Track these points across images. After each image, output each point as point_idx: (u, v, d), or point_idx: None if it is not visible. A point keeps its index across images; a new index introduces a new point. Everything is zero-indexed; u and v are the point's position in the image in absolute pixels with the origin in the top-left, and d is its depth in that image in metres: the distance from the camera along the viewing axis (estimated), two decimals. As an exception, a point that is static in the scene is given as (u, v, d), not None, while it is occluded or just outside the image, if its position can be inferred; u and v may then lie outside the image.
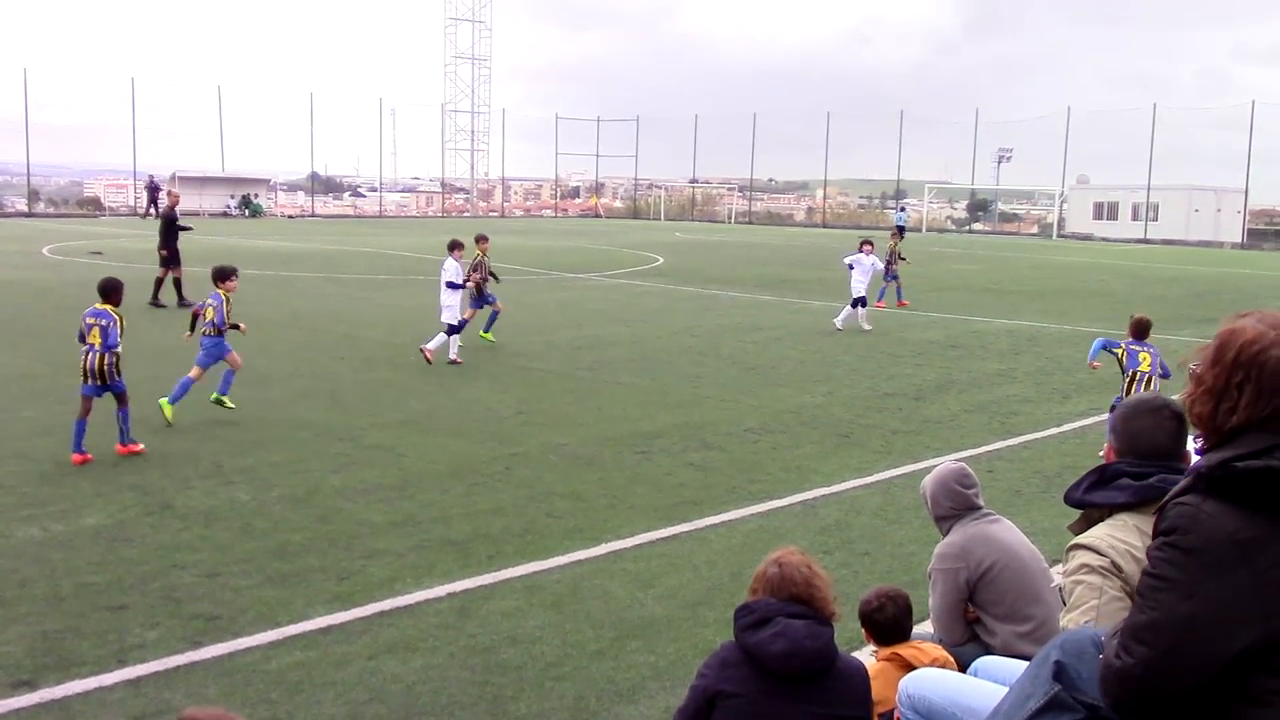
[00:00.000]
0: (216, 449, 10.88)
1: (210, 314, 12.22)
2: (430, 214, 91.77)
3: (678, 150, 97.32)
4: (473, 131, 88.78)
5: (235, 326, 12.48)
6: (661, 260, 39.23)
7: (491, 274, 18.40)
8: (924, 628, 5.36)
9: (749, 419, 12.88)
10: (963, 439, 12.17)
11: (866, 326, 21.26)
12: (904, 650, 4.76)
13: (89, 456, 10.36)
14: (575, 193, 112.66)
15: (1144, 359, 11.31)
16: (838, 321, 21.26)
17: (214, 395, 12.51)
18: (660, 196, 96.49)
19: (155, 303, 22.54)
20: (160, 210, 23.64)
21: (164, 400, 12.10)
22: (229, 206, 68.95)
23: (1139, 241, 67.93)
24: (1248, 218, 71.27)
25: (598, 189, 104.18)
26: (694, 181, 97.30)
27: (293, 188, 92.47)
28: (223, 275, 12.54)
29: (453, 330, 16.34)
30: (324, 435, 11.55)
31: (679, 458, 10.95)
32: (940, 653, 4.76)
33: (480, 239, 18.34)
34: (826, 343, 19.49)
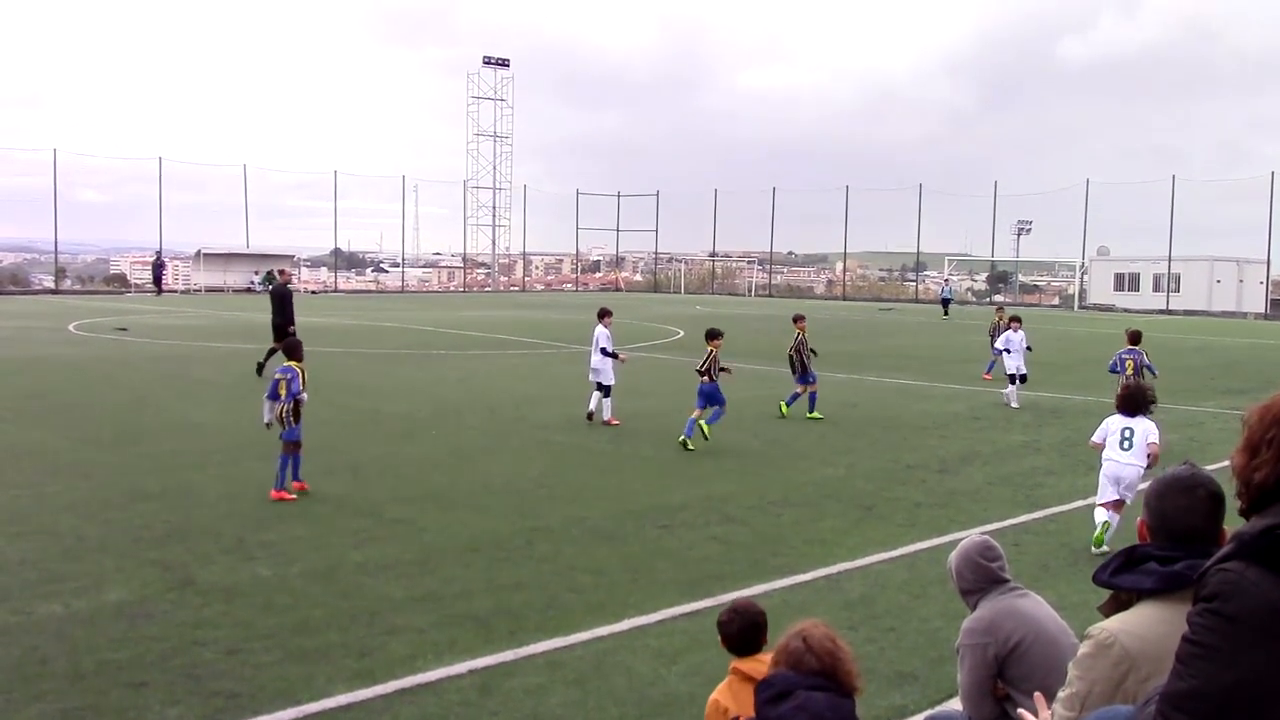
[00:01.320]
0: (238, 524, 10.89)
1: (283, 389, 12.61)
2: (452, 289, 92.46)
3: (697, 224, 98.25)
4: (494, 207, 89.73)
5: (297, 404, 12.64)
6: (682, 333, 39.30)
7: (812, 350, 19.65)
8: (952, 705, 5.28)
9: (771, 492, 12.81)
10: (988, 512, 12.07)
11: (1014, 405, 21.07)
12: (744, 664, 4.85)
13: (289, 495, 12.01)
14: (596, 267, 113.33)
15: (1129, 364, 11.50)
16: (1013, 402, 21.19)
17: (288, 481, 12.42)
18: (680, 270, 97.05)
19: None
20: (273, 286, 24.85)
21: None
22: (253, 282, 69.65)
23: (1161, 312, 67.79)
24: (1270, 288, 71.13)
25: (618, 263, 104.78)
26: (714, 255, 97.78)
27: (316, 264, 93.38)
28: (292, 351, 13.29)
29: (608, 391, 18.11)
30: (345, 510, 11.55)
31: (701, 531, 10.89)
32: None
33: (798, 319, 20.26)
34: (848, 415, 19.43)
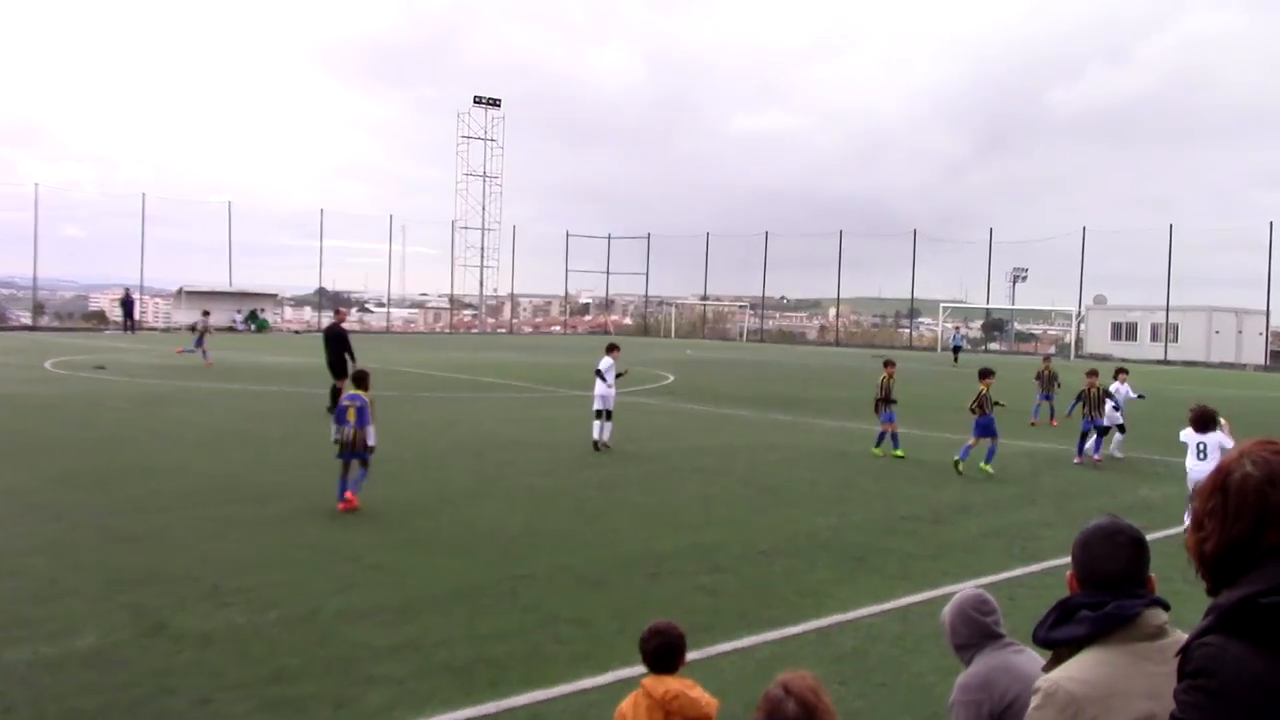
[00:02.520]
0: (214, 568, 10.80)
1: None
2: (438, 330, 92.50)
3: (688, 267, 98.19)
4: (483, 248, 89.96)
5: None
6: (672, 378, 39.31)
7: (998, 403, 19.92)
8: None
9: (761, 541, 12.77)
10: (982, 564, 12.04)
11: (1119, 455, 21.67)
12: (650, 680, 5.20)
13: (352, 503, 13.67)
14: (585, 309, 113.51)
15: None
16: (1118, 452, 21.64)
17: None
18: (671, 313, 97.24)
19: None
20: (330, 328, 25.99)
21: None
22: (235, 321, 69.57)
23: (1159, 363, 68.04)
24: (1270, 339, 71.45)
25: (608, 306, 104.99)
26: (705, 299, 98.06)
27: (300, 303, 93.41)
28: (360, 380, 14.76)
29: (610, 415, 20.12)
30: (325, 554, 11.47)
31: (689, 581, 10.83)
32: (674, 685, 5.18)
33: (888, 364, 21.82)
34: (840, 464, 19.42)
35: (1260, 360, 68.06)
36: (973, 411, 19.13)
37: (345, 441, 13.93)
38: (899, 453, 20.59)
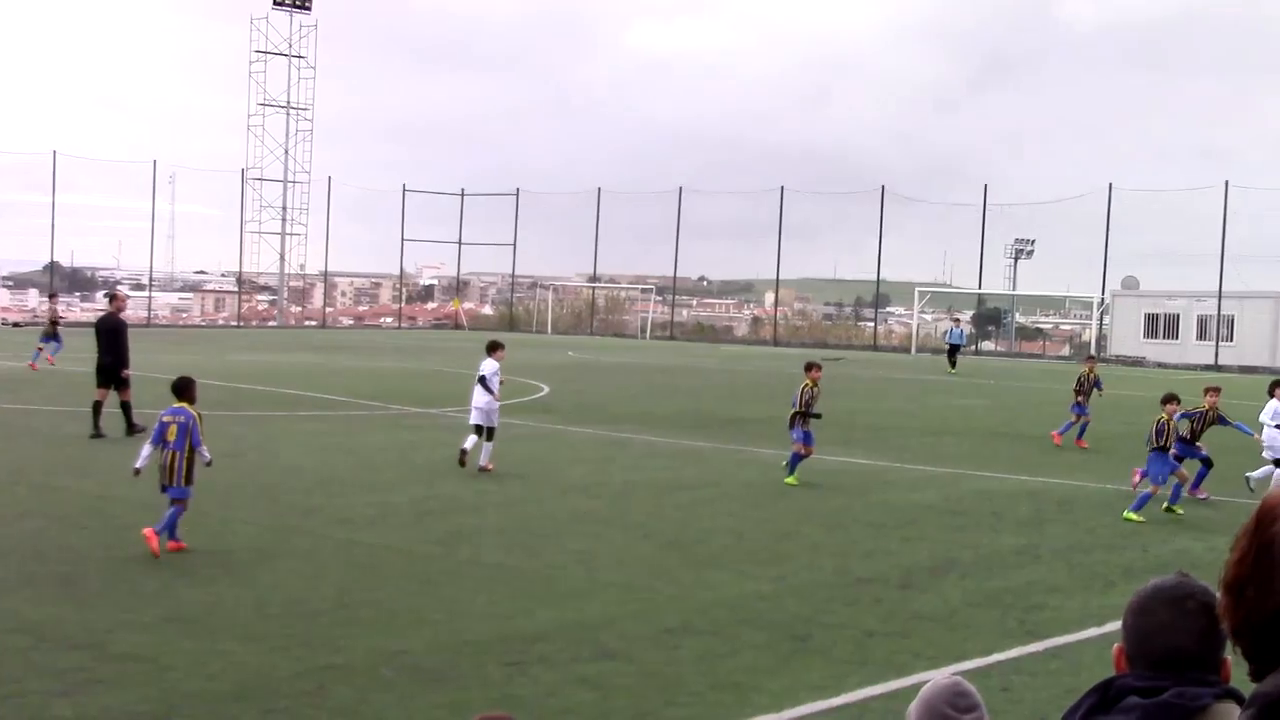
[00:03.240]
0: (-109, 661, 10.55)
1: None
2: (221, 321, 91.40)
3: (573, 237, 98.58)
4: (285, 207, 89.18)
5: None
6: (547, 389, 39.27)
7: (814, 414, 22.37)
8: None
9: (667, 616, 12.83)
10: (967, 643, 12.24)
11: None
12: None
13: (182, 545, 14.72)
14: (428, 294, 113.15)
15: None
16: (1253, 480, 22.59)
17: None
18: (547, 300, 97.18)
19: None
20: (105, 319, 26.41)
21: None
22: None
23: (1208, 368, 69.52)
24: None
25: (460, 289, 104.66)
26: (594, 280, 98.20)
27: (22, 283, 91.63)
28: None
29: (491, 434, 21.89)
30: (51, 640, 11.29)
31: (567, 671, 10.85)
32: None
33: (812, 367, 23.09)
34: (778, 507, 19.61)
35: (1341, 365, 69.79)
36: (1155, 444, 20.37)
37: (166, 467, 14.70)
38: (791, 479, 21.79)
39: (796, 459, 22.06)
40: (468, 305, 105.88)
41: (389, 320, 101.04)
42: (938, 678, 5.65)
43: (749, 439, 28.00)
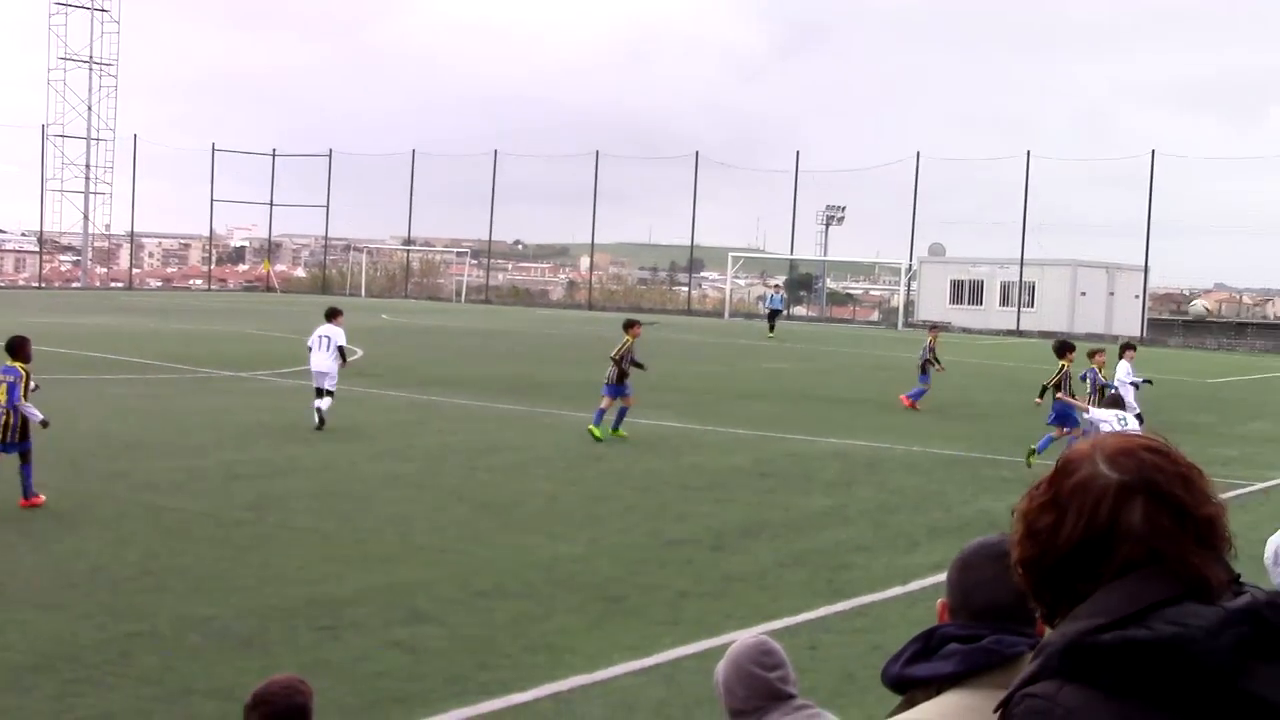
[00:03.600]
0: None
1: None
2: (21, 282, 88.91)
3: (387, 199, 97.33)
4: (88, 165, 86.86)
5: None
6: (361, 353, 38.84)
7: (637, 363, 23.50)
8: None
9: (480, 579, 12.81)
10: (777, 603, 12.40)
11: None
12: None
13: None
14: (239, 255, 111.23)
15: None
16: None
17: None
18: (361, 263, 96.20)
19: None
20: None
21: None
22: None
23: (1011, 333, 71.34)
24: (1148, 303, 75.80)
25: (271, 251, 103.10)
26: (409, 243, 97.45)
27: None
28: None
29: (330, 396, 23.14)
30: None
31: (379, 635, 10.79)
32: None
33: (632, 324, 24.46)
34: (592, 470, 19.68)
35: (1135, 330, 71.93)
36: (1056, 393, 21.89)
37: (1, 426, 15.20)
38: (621, 432, 23.01)
39: (620, 412, 23.12)
40: (280, 268, 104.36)
41: (198, 283, 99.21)
42: (744, 637, 5.73)
43: (561, 402, 28.03)
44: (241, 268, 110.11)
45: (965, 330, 71.99)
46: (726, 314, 79.98)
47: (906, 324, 76.09)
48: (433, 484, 17.84)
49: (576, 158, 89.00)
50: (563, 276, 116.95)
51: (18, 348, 15.78)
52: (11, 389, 15.15)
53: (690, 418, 26.28)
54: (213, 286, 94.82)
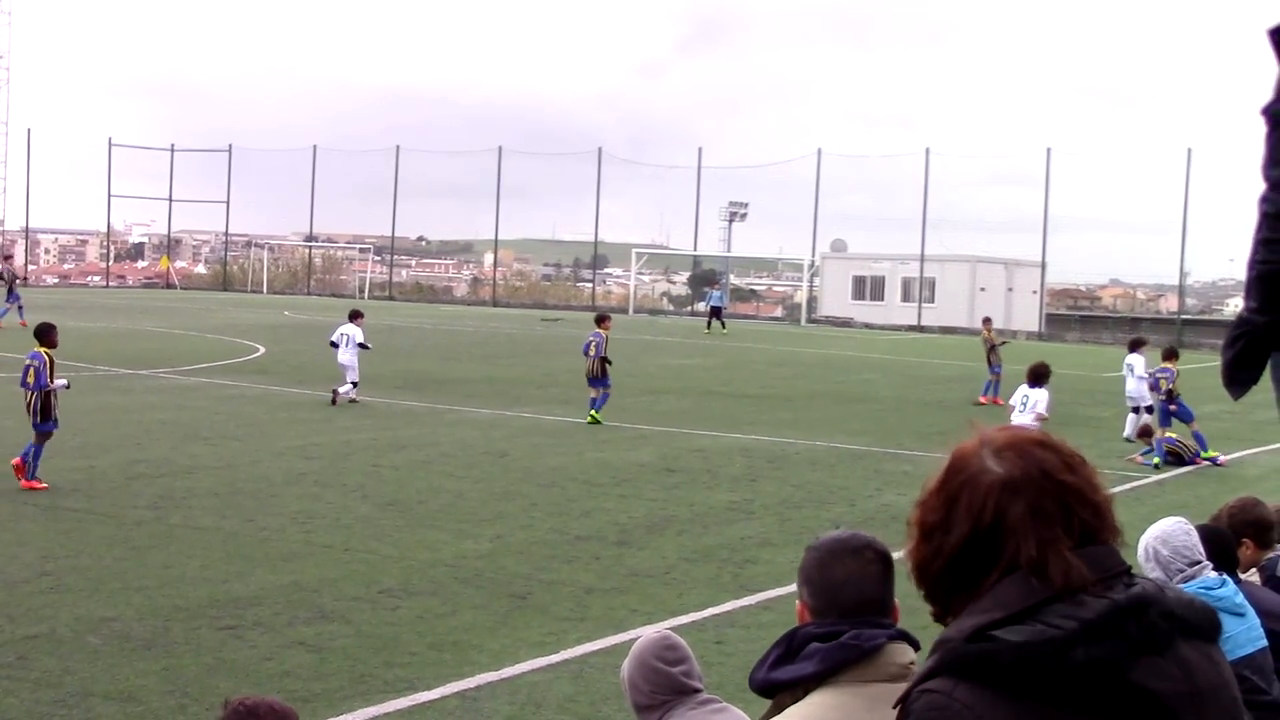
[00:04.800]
0: None
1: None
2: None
3: (289, 195, 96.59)
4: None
5: None
6: (263, 350, 38.61)
7: (605, 358, 25.54)
8: None
9: (385, 576, 12.77)
10: (682, 598, 12.45)
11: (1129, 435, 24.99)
12: None
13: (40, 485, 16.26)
14: (138, 252, 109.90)
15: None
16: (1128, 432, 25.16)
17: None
18: (263, 259, 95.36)
19: None
20: None
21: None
22: None
23: (912, 329, 71.96)
24: (1046, 299, 76.81)
25: (171, 248, 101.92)
26: (311, 240, 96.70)
27: None
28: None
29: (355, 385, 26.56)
30: None
31: (283, 634, 10.72)
32: None
33: (602, 319, 27.07)
34: (497, 467, 19.64)
35: (1034, 326, 72.94)
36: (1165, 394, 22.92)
37: (26, 406, 16.66)
38: (597, 416, 24.98)
39: (604, 400, 25.48)
40: (180, 264, 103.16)
41: (96, 279, 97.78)
42: (648, 633, 5.74)
43: (464, 399, 27.97)
44: (140, 264, 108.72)
45: (867, 326, 72.69)
46: (631, 310, 79.95)
47: (810, 320, 76.62)
48: (336, 482, 17.73)
49: (480, 153, 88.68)
50: (466, 273, 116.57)
51: (43, 334, 17.15)
52: (39, 373, 16.40)
53: (604, 414, 26.32)
54: (111, 283, 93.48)
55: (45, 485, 16.25)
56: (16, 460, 16.35)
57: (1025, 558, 2.45)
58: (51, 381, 16.60)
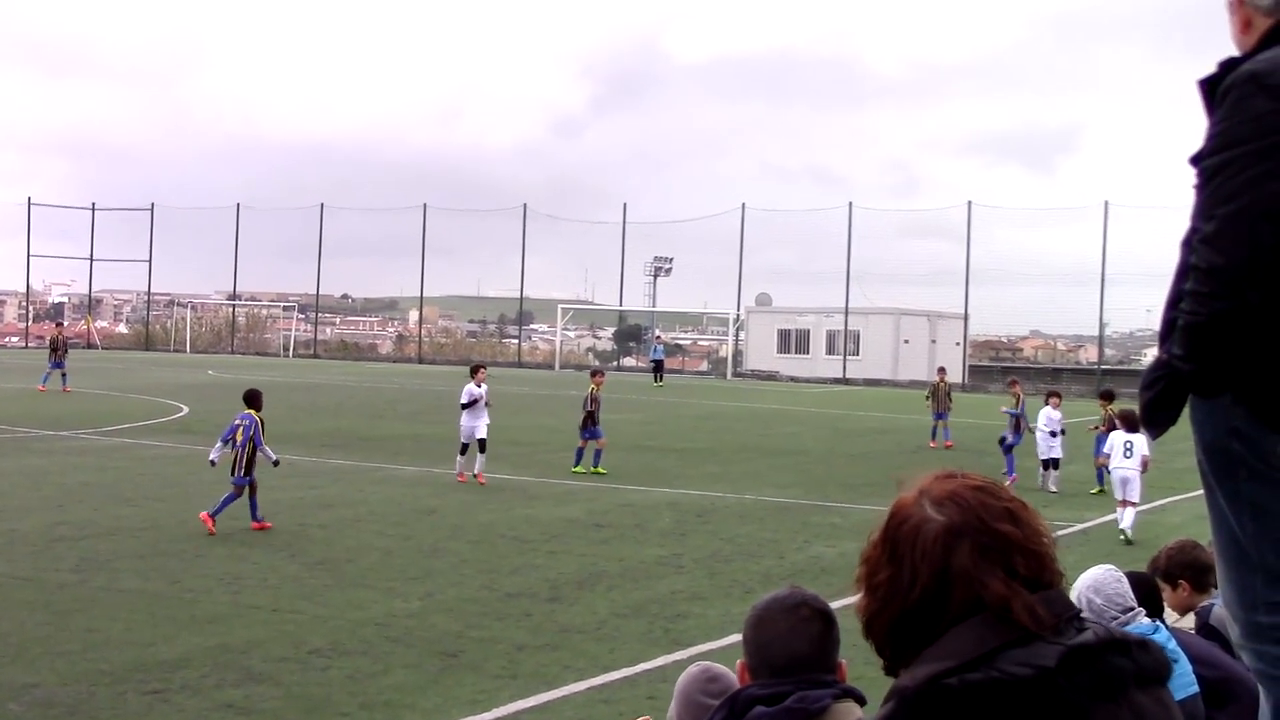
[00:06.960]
0: None
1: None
2: None
3: (211, 254, 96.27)
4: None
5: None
6: (186, 410, 38.30)
7: (590, 411, 26.50)
8: None
9: (314, 637, 12.63)
10: (614, 654, 12.38)
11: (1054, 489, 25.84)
12: None
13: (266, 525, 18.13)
14: (58, 311, 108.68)
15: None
16: (1052, 485, 25.99)
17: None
18: (186, 318, 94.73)
19: None
20: None
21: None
22: None
23: (838, 381, 72.38)
24: (969, 350, 77.58)
25: (92, 307, 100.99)
26: (235, 298, 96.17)
27: None
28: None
29: (483, 445, 24.27)
30: None
31: (211, 697, 10.57)
32: None
33: (596, 373, 28.66)
34: (425, 524, 19.53)
35: (955, 377, 73.48)
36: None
37: (233, 461, 18.28)
38: (601, 469, 26.16)
39: (581, 454, 26.68)
40: (101, 324, 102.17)
41: (14, 340, 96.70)
42: (690, 667, 5.63)
43: (391, 456, 27.86)
44: (61, 325, 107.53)
45: (793, 379, 73.10)
46: (557, 366, 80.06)
47: (735, 374, 76.93)
48: (263, 541, 17.56)
49: (404, 210, 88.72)
50: (392, 330, 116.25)
51: (252, 399, 19.14)
52: (254, 433, 18.40)
53: (523, 470, 26.29)
54: (30, 344, 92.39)
55: (214, 530, 17.64)
56: (256, 525, 18.26)
57: (992, 597, 2.45)
58: (265, 445, 18.75)
